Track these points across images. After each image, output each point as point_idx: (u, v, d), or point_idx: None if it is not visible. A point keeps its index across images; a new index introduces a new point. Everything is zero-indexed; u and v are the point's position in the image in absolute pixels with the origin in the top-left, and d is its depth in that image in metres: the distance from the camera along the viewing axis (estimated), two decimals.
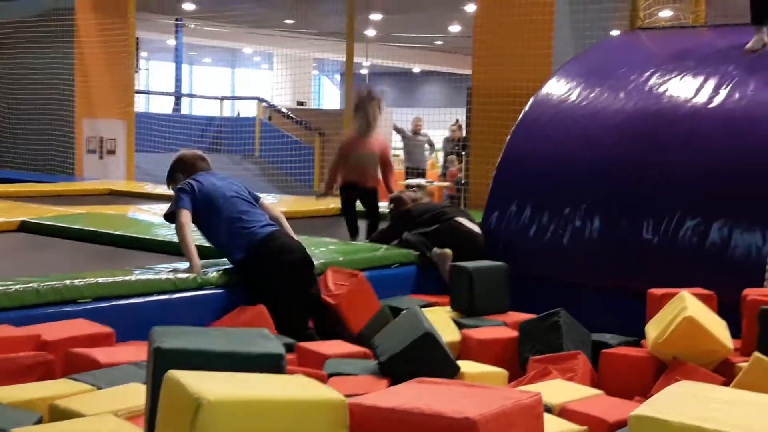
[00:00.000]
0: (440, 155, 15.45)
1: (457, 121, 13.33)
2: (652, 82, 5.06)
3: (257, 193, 4.42)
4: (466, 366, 3.21)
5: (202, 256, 4.40)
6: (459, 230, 5.10)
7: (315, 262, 4.25)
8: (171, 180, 4.34)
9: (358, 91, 5.87)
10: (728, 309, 3.65)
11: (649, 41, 5.95)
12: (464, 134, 10.93)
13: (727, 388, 2.44)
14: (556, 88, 5.53)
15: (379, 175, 6.15)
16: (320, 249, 4.86)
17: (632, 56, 5.61)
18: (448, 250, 4.90)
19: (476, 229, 5.18)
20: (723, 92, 4.71)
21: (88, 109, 11.51)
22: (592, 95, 5.29)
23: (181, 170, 4.34)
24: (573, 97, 5.35)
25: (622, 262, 4.61)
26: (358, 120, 5.92)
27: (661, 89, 4.96)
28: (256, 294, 4.02)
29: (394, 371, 3.17)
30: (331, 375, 3.20)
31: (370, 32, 18.55)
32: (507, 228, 5.10)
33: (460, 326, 4.06)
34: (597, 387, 3.31)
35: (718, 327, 3.40)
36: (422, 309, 3.60)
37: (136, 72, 12.01)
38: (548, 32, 8.02)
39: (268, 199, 5.00)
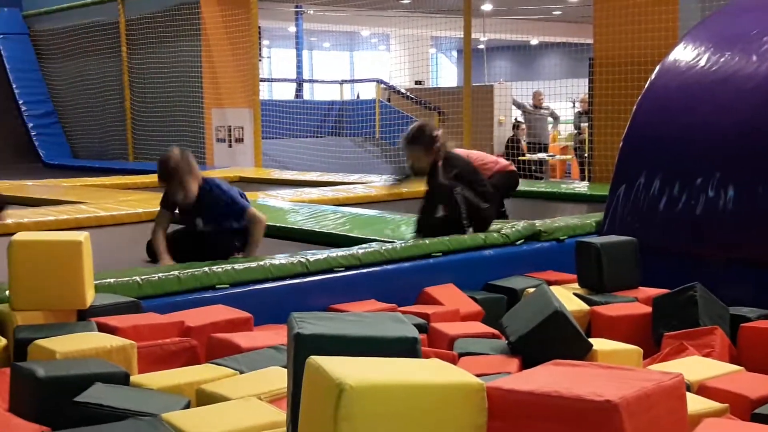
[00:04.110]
0: (563, 128, 15.19)
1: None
2: None
3: None
4: (598, 344, 3.16)
5: (333, 244, 4.52)
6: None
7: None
8: None
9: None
10: None
11: None
12: None
13: None
14: (684, 54, 5.35)
15: None
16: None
17: (764, 17, 5.36)
18: None
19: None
20: None
21: (216, 99, 11.89)
22: (722, 60, 5.09)
23: None
24: (702, 63, 5.16)
25: (760, 232, 4.44)
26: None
27: None
28: None
29: (524, 350, 3.17)
30: (461, 355, 3.23)
31: (487, 6, 18.35)
32: (636, 201, 4.99)
33: (589, 303, 4.02)
34: (736, 363, 3.22)
35: None
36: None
37: (260, 60, 12.30)
38: None
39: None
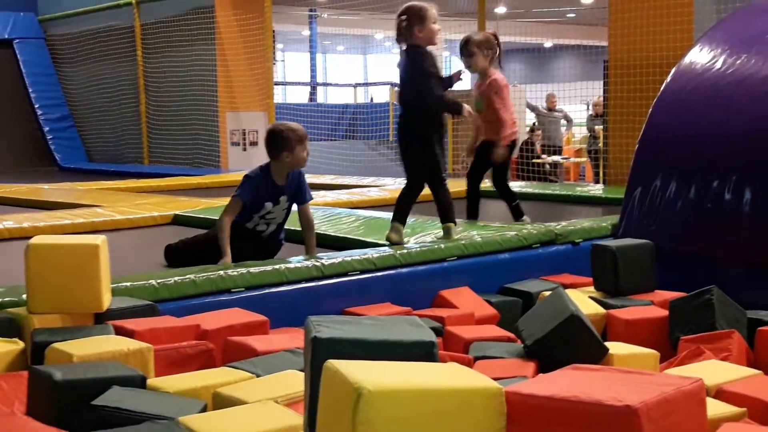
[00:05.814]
0: (578, 130, 15.15)
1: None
2: None
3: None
4: (615, 347, 3.15)
5: (348, 247, 4.53)
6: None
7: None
8: None
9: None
10: None
11: None
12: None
13: None
14: (700, 56, 5.32)
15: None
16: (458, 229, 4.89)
17: None
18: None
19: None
20: None
21: (231, 103, 11.93)
22: (738, 62, 5.06)
23: None
24: (718, 65, 5.14)
25: None
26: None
27: None
28: None
29: (540, 354, 3.16)
30: (477, 359, 3.23)
31: (500, 9, 18.33)
32: (651, 204, 4.97)
33: (605, 307, 4.00)
34: (754, 367, 3.20)
35: None
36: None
37: (274, 64, 12.34)
38: None
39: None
